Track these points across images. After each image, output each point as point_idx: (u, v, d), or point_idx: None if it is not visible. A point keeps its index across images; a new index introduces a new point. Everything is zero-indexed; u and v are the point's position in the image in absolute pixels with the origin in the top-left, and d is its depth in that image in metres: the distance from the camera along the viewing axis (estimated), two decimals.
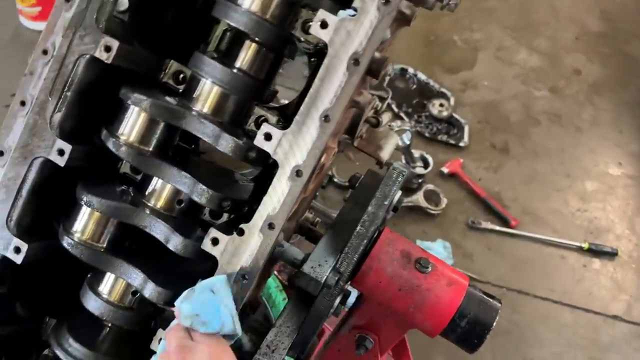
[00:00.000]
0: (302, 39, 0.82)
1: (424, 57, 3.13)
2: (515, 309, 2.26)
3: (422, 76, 2.92)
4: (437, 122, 2.78)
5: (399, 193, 0.98)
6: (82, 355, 0.86)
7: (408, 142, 2.31)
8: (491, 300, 0.94)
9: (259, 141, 0.74)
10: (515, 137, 2.88)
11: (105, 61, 0.76)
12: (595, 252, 2.44)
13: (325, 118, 0.72)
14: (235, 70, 0.81)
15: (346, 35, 0.70)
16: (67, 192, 0.84)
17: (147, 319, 0.90)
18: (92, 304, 0.85)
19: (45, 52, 0.78)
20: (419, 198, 2.43)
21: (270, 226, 0.76)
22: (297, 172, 0.73)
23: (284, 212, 0.75)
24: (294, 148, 0.73)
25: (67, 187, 0.84)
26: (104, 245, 0.84)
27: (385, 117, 1.03)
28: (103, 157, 0.85)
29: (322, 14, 0.70)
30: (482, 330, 0.90)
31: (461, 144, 2.72)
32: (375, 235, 0.92)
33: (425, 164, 2.51)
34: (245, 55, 0.82)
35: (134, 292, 0.86)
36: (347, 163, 2.67)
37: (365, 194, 0.94)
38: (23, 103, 0.80)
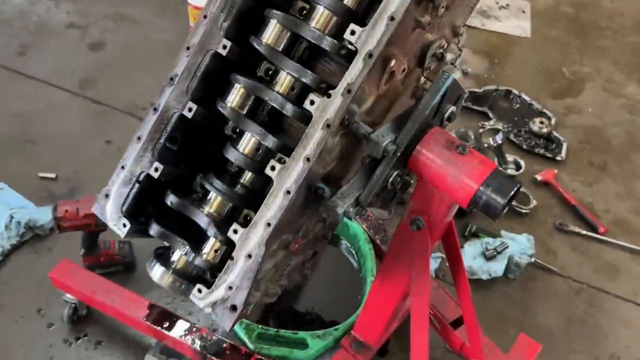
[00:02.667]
0: None
1: (530, 84, 3.36)
2: (593, 303, 2.36)
3: (525, 97, 3.17)
4: (536, 137, 2.99)
5: (452, 108, 1.32)
6: (221, 188, 1.29)
7: (500, 142, 2.56)
8: (511, 179, 1.21)
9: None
10: (615, 158, 3.00)
11: None
12: None
13: (392, 19, 1.10)
14: None
15: None
16: (224, 78, 1.29)
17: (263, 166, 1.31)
18: (232, 154, 1.28)
19: None
20: None
21: (349, 92, 1.14)
22: (369, 54, 1.11)
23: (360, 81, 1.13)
24: (371, 37, 1.11)
25: (224, 74, 1.29)
26: (244, 112, 1.27)
27: (449, 56, 1.37)
28: (248, 59, 1.30)
29: None
30: (500, 199, 1.17)
31: (558, 158, 2.90)
32: (427, 129, 1.25)
33: (518, 167, 2.73)
34: None
35: (257, 149, 1.28)
36: None
37: None
38: (205, 17, 1.27)
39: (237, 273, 1.21)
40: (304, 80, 1.21)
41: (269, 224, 1.18)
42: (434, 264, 2.38)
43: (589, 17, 3.96)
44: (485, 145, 2.76)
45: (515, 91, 3.20)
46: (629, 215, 2.72)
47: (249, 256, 1.20)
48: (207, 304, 1.23)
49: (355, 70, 1.13)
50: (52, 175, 2.55)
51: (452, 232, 1.53)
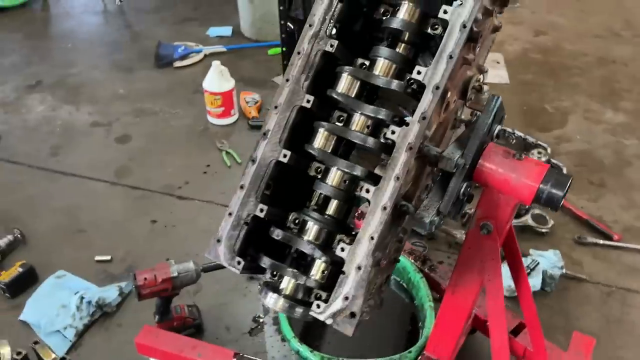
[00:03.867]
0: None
1: (520, 122, 3.72)
2: (625, 302, 2.57)
3: (519, 133, 3.50)
4: None
5: (498, 127, 1.58)
6: (318, 217, 1.50)
7: None
8: (565, 174, 1.46)
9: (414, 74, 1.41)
10: (610, 175, 3.30)
11: (331, 51, 1.49)
12: None
13: (450, 57, 1.38)
14: None
15: (457, 13, 1.38)
16: (308, 127, 1.54)
17: (349, 197, 1.52)
18: (324, 187, 1.50)
19: (299, 52, 1.53)
20: (527, 219, 2.89)
21: (424, 118, 1.39)
22: (437, 87, 1.38)
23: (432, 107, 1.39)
24: (435, 73, 1.39)
25: (307, 124, 1.54)
26: (329, 150, 1.51)
27: (485, 87, 1.66)
28: (323, 110, 1.56)
29: (443, 8, 1.40)
30: (559, 192, 1.41)
31: None
32: (485, 145, 1.51)
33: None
34: None
35: (344, 180, 1.51)
36: None
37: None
38: (288, 80, 1.53)
39: (350, 284, 1.40)
40: (380, 116, 1.47)
41: (372, 238, 1.39)
42: None
43: (555, 60, 4.42)
44: None
45: (508, 129, 3.54)
46: (636, 222, 2.98)
47: (359, 268, 1.40)
48: (327, 316, 1.41)
49: (427, 100, 1.39)
50: (108, 258, 2.71)
51: (512, 237, 1.76)
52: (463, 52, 1.45)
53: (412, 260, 2.42)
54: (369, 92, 1.58)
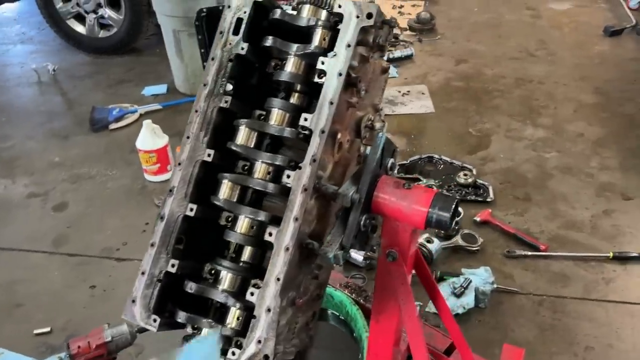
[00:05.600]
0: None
1: (446, 147, 3.89)
2: (556, 309, 2.69)
3: (446, 158, 3.67)
4: (465, 188, 3.44)
5: (391, 160, 1.70)
6: (230, 266, 1.56)
7: None
8: (450, 196, 1.57)
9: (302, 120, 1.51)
10: (534, 188, 3.48)
11: (226, 107, 1.59)
12: (619, 258, 2.89)
13: (331, 103, 1.49)
14: None
15: (332, 63, 1.50)
16: (212, 179, 1.61)
17: (260, 241, 1.59)
18: (233, 235, 1.57)
19: (196, 110, 1.62)
20: (458, 239, 3.01)
21: (314, 160, 1.49)
22: (322, 131, 1.49)
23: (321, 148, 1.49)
24: (320, 119, 1.49)
25: (212, 176, 1.62)
26: (234, 200, 1.58)
27: (378, 124, 1.78)
28: (227, 161, 1.64)
29: (320, 60, 1.52)
30: (446, 214, 1.52)
31: (488, 200, 3.35)
32: (378, 179, 1.61)
33: (458, 214, 3.12)
34: None
35: (252, 226, 1.58)
36: None
37: None
38: (188, 137, 1.61)
39: (262, 327, 1.45)
40: (277, 163, 1.56)
41: (278, 279, 1.46)
42: None
43: (477, 85, 4.66)
44: None
45: (436, 155, 3.70)
46: (560, 231, 3.14)
47: (269, 310, 1.45)
48: None
49: (315, 144, 1.49)
50: (47, 329, 2.68)
51: (421, 261, 1.85)
52: (345, 96, 1.57)
53: (348, 294, 2.49)
54: (273, 141, 1.67)
